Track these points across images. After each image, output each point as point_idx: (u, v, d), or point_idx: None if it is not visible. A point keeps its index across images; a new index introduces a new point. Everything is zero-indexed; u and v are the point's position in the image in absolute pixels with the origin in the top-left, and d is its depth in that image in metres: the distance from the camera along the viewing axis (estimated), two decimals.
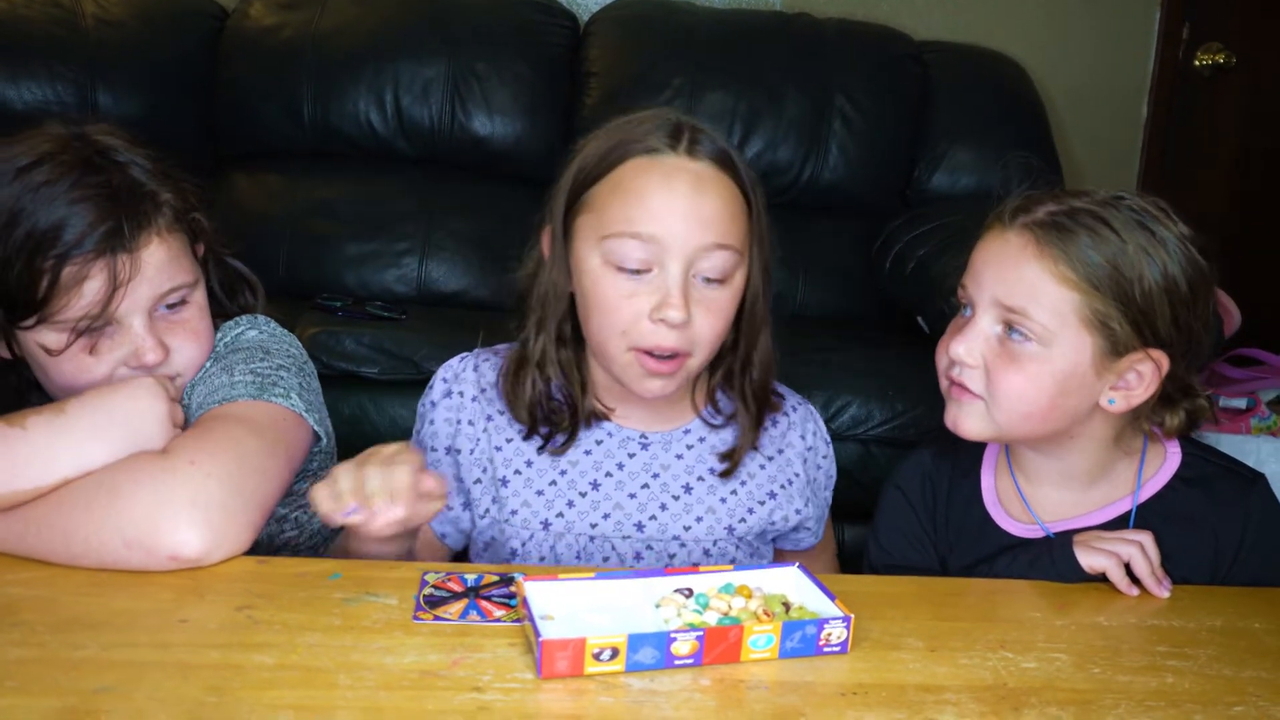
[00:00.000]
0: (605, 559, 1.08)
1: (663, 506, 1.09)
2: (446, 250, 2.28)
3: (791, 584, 0.87)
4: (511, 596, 0.85)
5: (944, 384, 1.05)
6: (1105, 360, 0.97)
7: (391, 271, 2.26)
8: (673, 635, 0.75)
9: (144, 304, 1.01)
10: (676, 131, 1.02)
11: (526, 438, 1.09)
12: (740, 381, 1.12)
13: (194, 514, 0.85)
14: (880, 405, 1.91)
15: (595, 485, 1.09)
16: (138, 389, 0.94)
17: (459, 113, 2.36)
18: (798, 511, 1.14)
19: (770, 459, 1.14)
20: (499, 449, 1.10)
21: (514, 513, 1.08)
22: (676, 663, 0.76)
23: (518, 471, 1.09)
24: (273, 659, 0.73)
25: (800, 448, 1.17)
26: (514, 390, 1.09)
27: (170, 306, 1.04)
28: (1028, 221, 0.98)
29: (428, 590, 0.85)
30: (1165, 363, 0.97)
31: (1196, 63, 2.88)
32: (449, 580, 0.87)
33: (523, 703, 0.70)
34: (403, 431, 1.84)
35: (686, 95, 2.36)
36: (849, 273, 2.39)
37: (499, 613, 0.82)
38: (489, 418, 1.11)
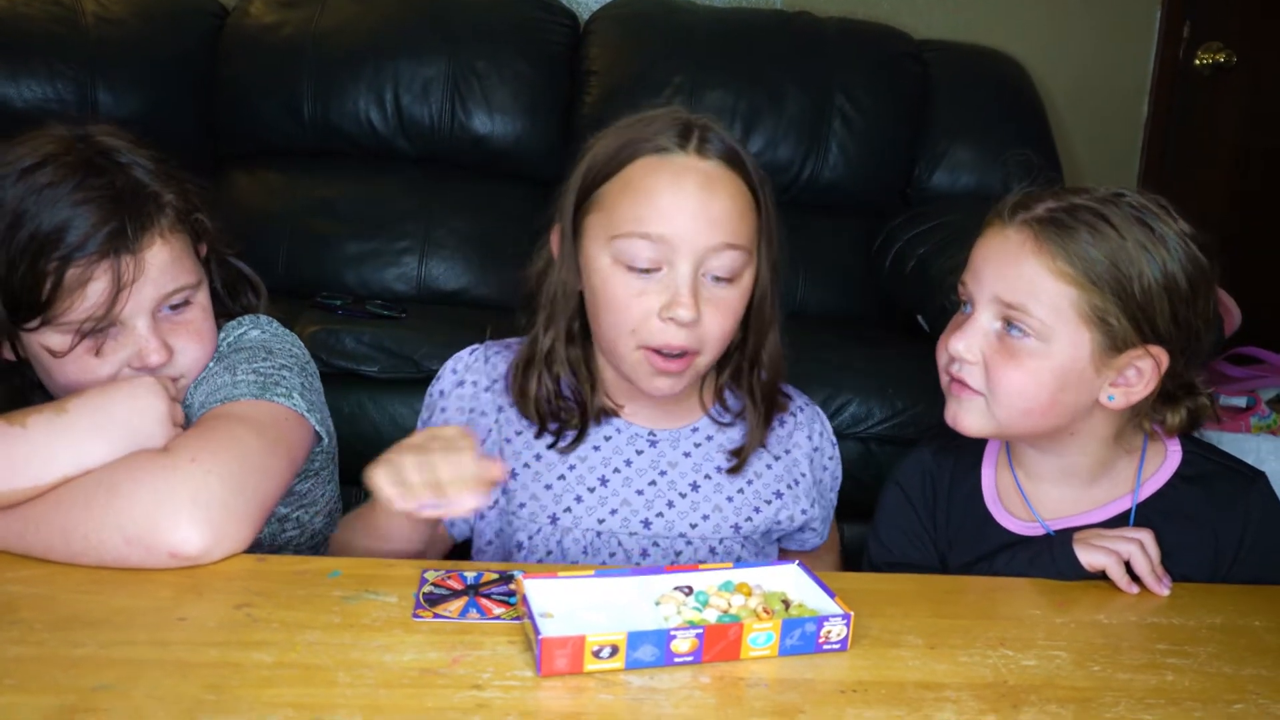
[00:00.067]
0: (612, 555, 1.08)
1: (670, 504, 1.09)
2: (446, 249, 2.28)
3: (791, 581, 0.87)
4: (511, 594, 0.85)
5: (944, 380, 1.05)
6: (1104, 356, 0.97)
7: (391, 270, 2.26)
8: (672, 633, 0.75)
9: (148, 305, 1.01)
10: (686, 130, 1.02)
11: (537, 435, 1.09)
12: (749, 380, 1.12)
13: (194, 511, 0.85)
14: (880, 403, 1.91)
15: (603, 481, 1.09)
16: (138, 388, 0.94)
17: (459, 111, 2.36)
18: (804, 512, 1.14)
19: (777, 458, 1.15)
20: (508, 441, 1.10)
21: (522, 506, 1.08)
22: (676, 660, 0.76)
23: (526, 465, 1.09)
24: (272, 657, 0.73)
25: (807, 448, 1.17)
26: (523, 388, 1.09)
27: (174, 307, 1.04)
28: (1027, 218, 0.98)
29: (427, 588, 0.85)
30: (1165, 359, 0.97)
31: (1197, 62, 2.88)
32: (448, 578, 0.87)
33: (522, 700, 0.70)
34: (403, 430, 1.83)
35: (687, 94, 2.36)
36: (849, 271, 2.39)
37: (498, 610, 0.82)
38: (500, 409, 1.11)
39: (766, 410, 1.13)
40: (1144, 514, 1.04)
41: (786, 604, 0.84)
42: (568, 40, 2.47)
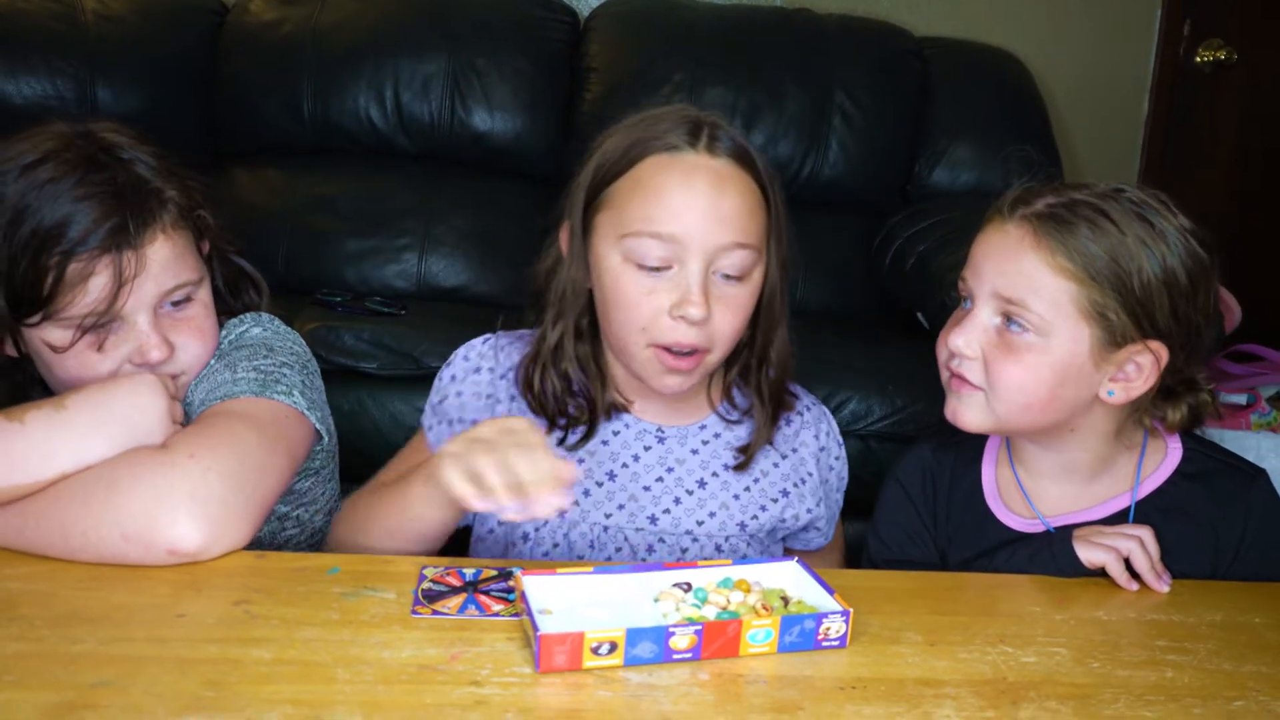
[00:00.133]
0: (618, 550, 1.07)
1: (677, 500, 1.09)
2: (446, 246, 2.28)
3: (790, 578, 0.87)
4: (510, 591, 0.85)
5: (944, 376, 1.05)
6: (1104, 351, 0.97)
7: (391, 267, 2.26)
8: (671, 630, 0.75)
9: (149, 301, 1.00)
10: (695, 128, 1.02)
11: (547, 431, 1.09)
12: (756, 377, 1.12)
13: (193, 508, 0.85)
14: (880, 401, 1.90)
15: (611, 476, 1.09)
16: (138, 385, 0.94)
17: (459, 108, 2.36)
18: (809, 511, 1.14)
19: (784, 457, 1.15)
20: None
21: None
22: (675, 657, 0.76)
23: None
24: (270, 653, 0.73)
25: (814, 447, 1.17)
26: (531, 384, 1.09)
27: (175, 304, 1.03)
28: (1027, 213, 0.98)
29: (426, 585, 0.85)
30: (1164, 354, 0.97)
31: (1197, 59, 2.87)
32: (447, 575, 0.87)
33: (521, 697, 0.70)
34: (402, 428, 1.84)
35: (687, 91, 2.36)
36: (849, 268, 2.38)
37: (497, 607, 0.82)
38: (512, 398, 1.10)
39: (774, 408, 1.13)
40: (1144, 511, 1.04)
41: (785, 601, 0.84)
42: (568, 37, 2.47)
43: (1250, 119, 2.88)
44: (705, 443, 1.12)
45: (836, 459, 1.21)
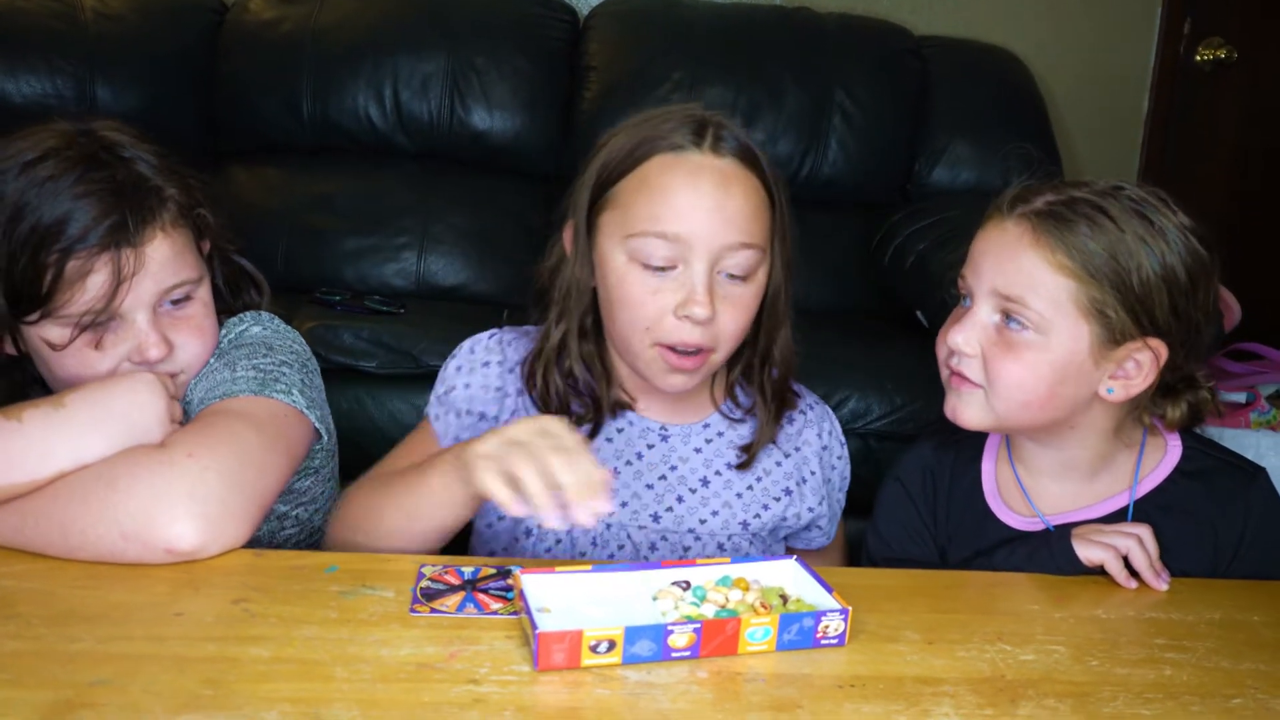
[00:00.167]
0: (620, 547, 1.07)
1: (679, 499, 1.09)
2: (445, 244, 2.28)
3: (789, 576, 0.87)
4: (508, 589, 0.85)
5: (944, 374, 1.05)
6: (1103, 349, 0.97)
7: (390, 266, 2.25)
8: (670, 628, 0.75)
9: (148, 299, 1.00)
10: (701, 128, 1.02)
11: None
12: (760, 376, 1.12)
13: (191, 507, 0.85)
14: (879, 399, 1.91)
15: (614, 473, 1.08)
16: (137, 384, 0.94)
17: (458, 107, 2.36)
18: (810, 510, 1.14)
19: (787, 456, 1.15)
20: None
21: None
22: (673, 655, 0.75)
23: None
24: (269, 652, 0.73)
25: (816, 446, 1.17)
26: (535, 382, 1.08)
27: (175, 302, 1.03)
28: (1026, 211, 0.98)
29: (424, 583, 0.85)
30: (1164, 352, 0.97)
31: (1197, 58, 2.87)
32: (446, 573, 0.87)
33: (519, 695, 0.70)
34: (401, 426, 1.84)
35: (686, 89, 2.35)
36: (848, 267, 2.38)
37: (496, 605, 0.82)
38: (520, 392, 1.10)
39: (777, 407, 1.13)
40: (1144, 509, 1.04)
41: (784, 599, 0.84)
42: (567, 36, 2.47)
43: (1250, 118, 2.88)
44: (708, 441, 1.12)
45: (839, 458, 1.21)
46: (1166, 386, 1.02)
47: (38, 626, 0.75)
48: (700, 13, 2.48)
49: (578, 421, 1.08)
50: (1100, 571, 0.96)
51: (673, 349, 1.01)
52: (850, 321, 2.26)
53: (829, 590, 0.82)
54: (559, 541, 1.07)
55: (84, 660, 0.71)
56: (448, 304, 2.18)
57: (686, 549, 1.09)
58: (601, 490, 0.81)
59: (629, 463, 1.09)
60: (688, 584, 0.84)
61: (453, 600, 0.83)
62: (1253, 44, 2.82)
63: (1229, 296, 2.06)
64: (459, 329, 1.80)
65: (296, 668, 0.72)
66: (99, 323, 0.98)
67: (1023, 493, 1.08)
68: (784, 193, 1.06)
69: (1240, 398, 1.96)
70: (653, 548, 1.08)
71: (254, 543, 0.90)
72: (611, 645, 0.74)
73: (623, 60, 2.41)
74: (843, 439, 1.22)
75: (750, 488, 1.11)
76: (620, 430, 1.10)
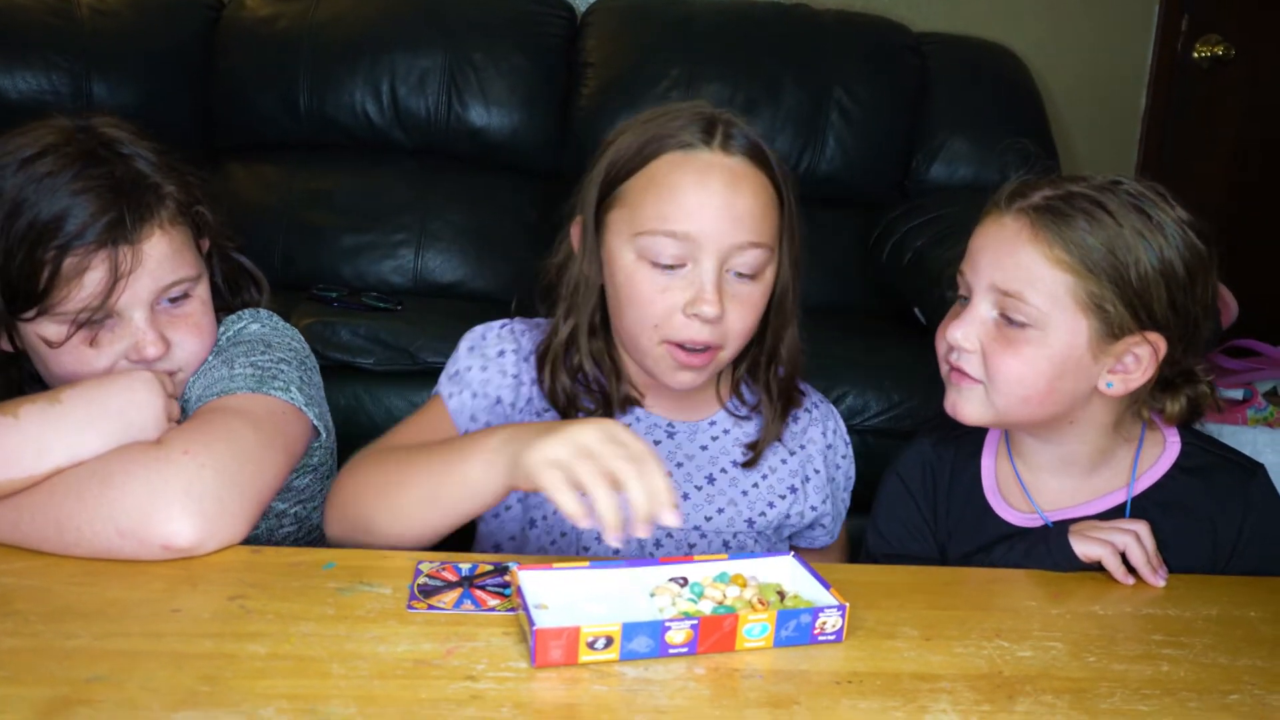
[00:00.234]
0: (626, 542, 1.07)
1: (685, 496, 1.09)
2: (443, 241, 2.28)
3: (786, 573, 0.87)
4: (505, 586, 0.85)
5: (943, 369, 1.05)
6: (1102, 343, 0.97)
7: (388, 262, 2.25)
8: (667, 624, 0.75)
9: (145, 297, 1.00)
10: (710, 126, 1.02)
11: None
12: (766, 374, 1.12)
13: (187, 503, 0.85)
14: (877, 396, 1.91)
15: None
16: (135, 381, 0.93)
17: (455, 104, 2.35)
18: (813, 508, 1.14)
19: (792, 453, 1.15)
20: (539, 415, 1.09)
21: None
22: (671, 652, 0.75)
23: None
24: (266, 648, 0.73)
25: (821, 444, 1.17)
26: (540, 379, 1.08)
27: (173, 300, 1.03)
28: (1024, 206, 0.98)
29: (421, 579, 0.85)
30: (1162, 346, 0.97)
31: (1195, 55, 2.87)
32: (443, 570, 0.87)
33: (516, 691, 0.70)
34: (398, 422, 1.84)
35: (684, 86, 2.35)
36: (846, 264, 2.38)
37: (493, 602, 0.82)
38: (533, 381, 1.10)
39: (783, 405, 1.13)
40: (1142, 506, 1.04)
41: (782, 595, 0.84)
42: (565, 32, 2.47)
43: (1248, 114, 2.88)
44: (714, 439, 1.12)
45: (844, 457, 1.21)
46: (1165, 381, 1.02)
47: (35, 623, 0.75)
48: (698, 9, 2.48)
49: (587, 418, 1.08)
50: (1098, 568, 0.96)
51: (681, 346, 1.02)
52: (848, 318, 2.26)
53: (826, 586, 0.82)
54: (564, 534, 1.07)
55: (81, 657, 0.71)
56: (445, 301, 2.18)
57: (692, 546, 1.09)
58: (669, 505, 0.79)
59: None
60: (685, 580, 0.84)
61: (450, 597, 0.82)
62: (1250, 41, 2.82)
63: (1226, 293, 2.06)
64: (456, 326, 1.79)
65: (293, 664, 0.72)
66: (96, 320, 0.98)
67: (1022, 489, 1.08)
68: (793, 190, 1.06)
69: (1237, 394, 1.96)
70: (658, 544, 1.08)
71: (252, 540, 0.90)
72: (609, 641, 0.74)
73: (620, 57, 2.41)
74: (847, 438, 1.22)
75: (756, 485, 1.11)
76: (627, 426, 1.10)
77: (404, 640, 0.76)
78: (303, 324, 1.82)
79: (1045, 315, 0.96)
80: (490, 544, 1.11)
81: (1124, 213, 0.95)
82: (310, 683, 0.69)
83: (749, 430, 1.14)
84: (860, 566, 1.03)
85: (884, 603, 0.87)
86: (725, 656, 0.76)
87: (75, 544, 0.85)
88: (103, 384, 0.93)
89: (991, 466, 1.11)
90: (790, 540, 1.18)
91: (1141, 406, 1.04)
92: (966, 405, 1.02)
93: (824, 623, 0.79)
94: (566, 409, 1.07)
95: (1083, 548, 0.96)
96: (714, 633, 0.76)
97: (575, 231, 1.09)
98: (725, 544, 1.09)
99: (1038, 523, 1.06)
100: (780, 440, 1.14)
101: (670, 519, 0.79)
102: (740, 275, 1.02)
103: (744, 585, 0.83)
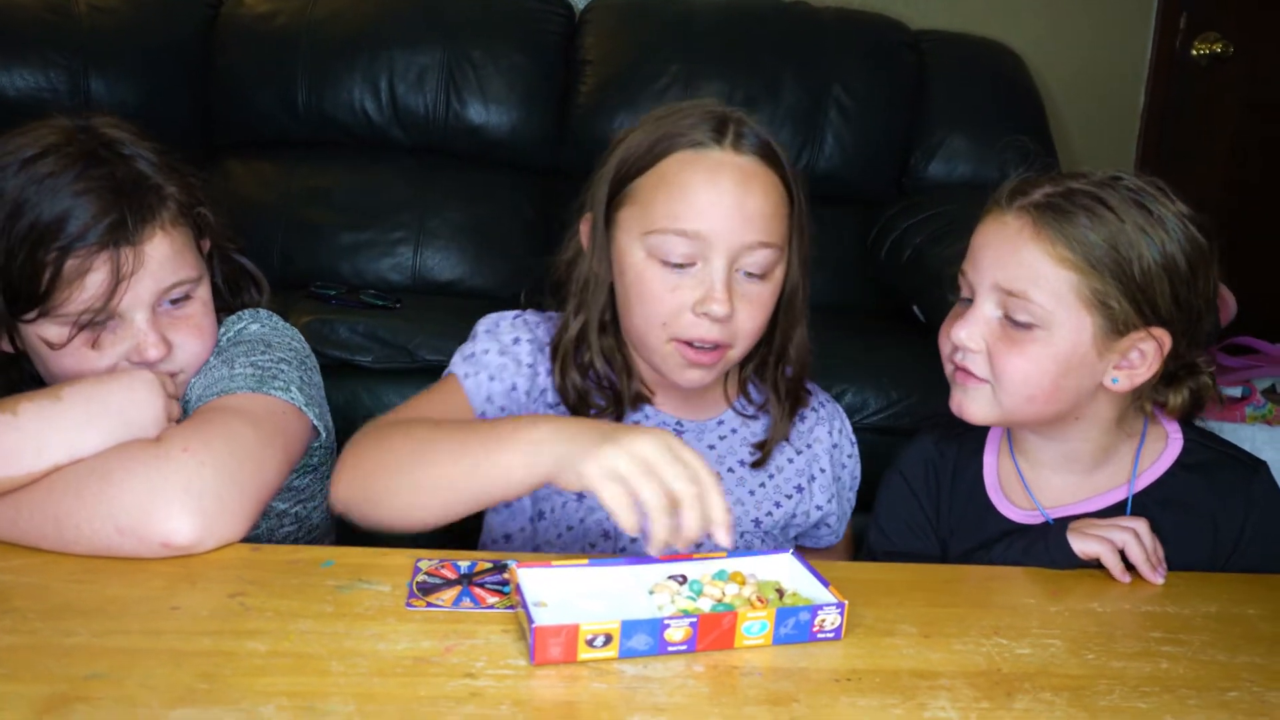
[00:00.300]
0: (633, 540, 1.07)
1: None
2: (441, 239, 2.28)
3: (785, 570, 0.87)
4: (504, 583, 0.85)
5: (948, 369, 1.05)
6: (1107, 340, 0.97)
7: (386, 260, 2.25)
8: (666, 622, 0.75)
9: (147, 298, 1.00)
10: (721, 125, 1.02)
11: None
12: (774, 374, 1.12)
13: (187, 501, 0.85)
14: (875, 394, 1.91)
15: None
16: (135, 381, 0.93)
17: (454, 101, 2.35)
18: (819, 508, 1.14)
19: (799, 453, 1.15)
20: (551, 407, 1.09)
21: None
22: (670, 649, 0.75)
23: None
24: (265, 646, 0.73)
25: (827, 443, 1.17)
26: (554, 376, 1.08)
27: (174, 302, 1.03)
28: (1025, 204, 0.98)
29: (420, 577, 0.85)
30: (1167, 341, 0.97)
31: (1194, 52, 2.87)
32: (442, 567, 0.87)
33: (515, 689, 0.70)
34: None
35: (682, 83, 2.35)
36: (844, 261, 2.38)
37: (492, 599, 0.82)
38: (549, 371, 1.10)
39: (791, 405, 1.13)
40: (1143, 502, 1.04)
41: (780, 593, 0.83)
42: (563, 30, 2.46)
43: (1247, 112, 2.89)
44: (722, 438, 1.12)
45: (849, 457, 1.21)
46: (1168, 374, 1.02)
47: (33, 620, 0.75)
48: (697, 6, 2.47)
49: (599, 415, 1.08)
50: (1096, 565, 0.96)
51: (689, 344, 1.01)
52: (846, 316, 2.26)
53: (825, 584, 0.82)
54: (570, 528, 1.07)
55: (79, 654, 0.71)
56: (444, 298, 2.18)
57: (698, 545, 1.08)
58: (723, 525, 0.78)
59: None
60: (684, 578, 0.84)
61: (449, 594, 0.82)
62: (1249, 38, 2.82)
63: (1224, 291, 2.06)
64: (455, 324, 1.79)
65: (293, 662, 0.72)
66: (97, 322, 0.98)
67: (1023, 485, 1.08)
68: (803, 190, 1.06)
69: (1236, 392, 1.96)
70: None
71: (252, 540, 0.90)
72: (608, 639, 0.74)
73: (619, 54, 2.41)
74: (853, 438, 1.22)
75: (763, 485, 1.12)
76: (636, 424, 1.10)
77: (403, 638, 0.76)
78: (301, 321, 1.82)
79: (1050, 314, 0.96)
80: (501, 534, 1.11)
81: (1125, 208, 0.95)
82: (309, 680, 0.69)
83: (756, 430, 1.14)
84: (859, 564, 1.03)
85: (883, 600, 0.87)
86: (724, 654, 0.76)
87: (74, 541, 0.85)
88: (103, 382, 0.93)
89: (994, 463, 1.11)
90: (796, 540, 1.18)
91: (1144, 400, 1.04)
92: (973, 405, 1.02)
93: (823, 620, 0.79)
94: (577, 406, 1.07)
95: (1081, 545, 0.96)
96: (713, 630, 0.76)
97: (584, 228, 1.09)
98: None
99: (1039, 519, 1.06)
100: (787, 440, 1.14)
101: (724, 539, 0.78)
102: (750, 274, 1.02)
103: (743, 583, 0.83)
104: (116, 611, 0.77)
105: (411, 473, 0.89)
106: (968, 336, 1.00)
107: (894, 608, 0.86)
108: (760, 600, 0.81)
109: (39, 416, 0.89)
